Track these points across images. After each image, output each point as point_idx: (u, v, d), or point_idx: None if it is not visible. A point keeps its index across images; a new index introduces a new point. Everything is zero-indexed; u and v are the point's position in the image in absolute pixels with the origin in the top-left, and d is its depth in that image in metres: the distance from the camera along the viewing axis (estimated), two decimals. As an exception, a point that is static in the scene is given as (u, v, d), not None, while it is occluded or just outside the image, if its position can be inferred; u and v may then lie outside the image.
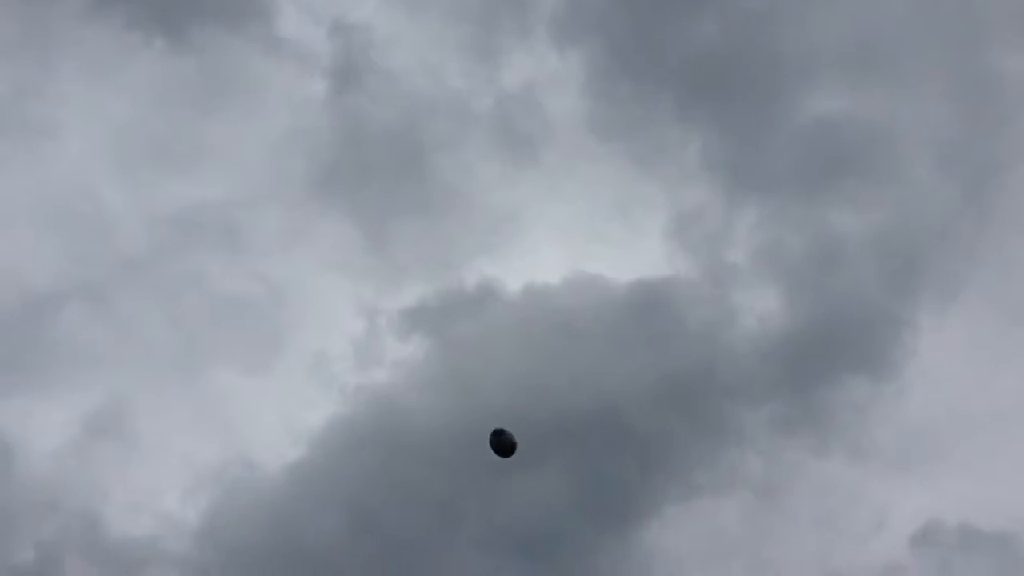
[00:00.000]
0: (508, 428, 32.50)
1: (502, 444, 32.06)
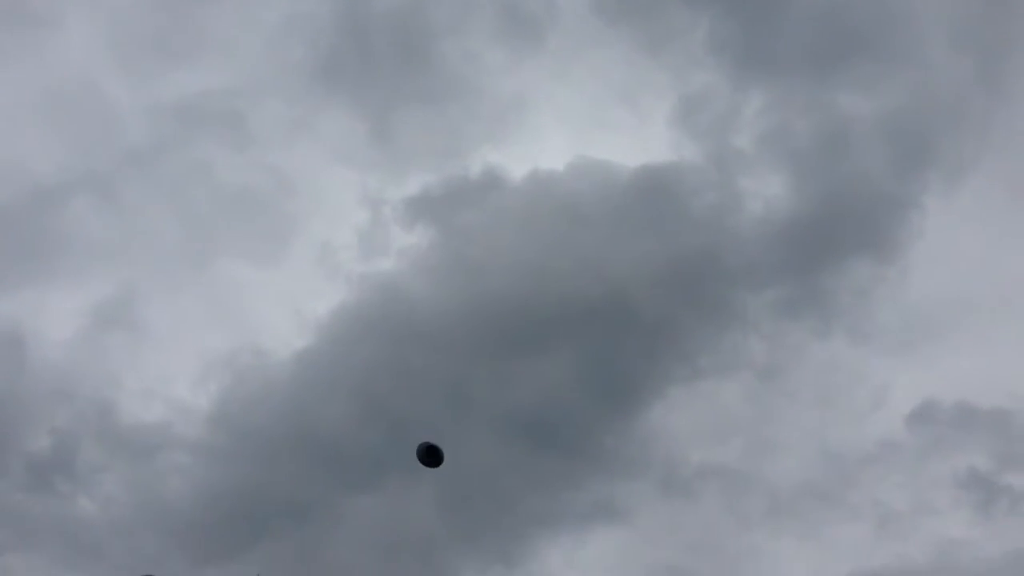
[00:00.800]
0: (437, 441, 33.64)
1: (430, 455, 33.07)
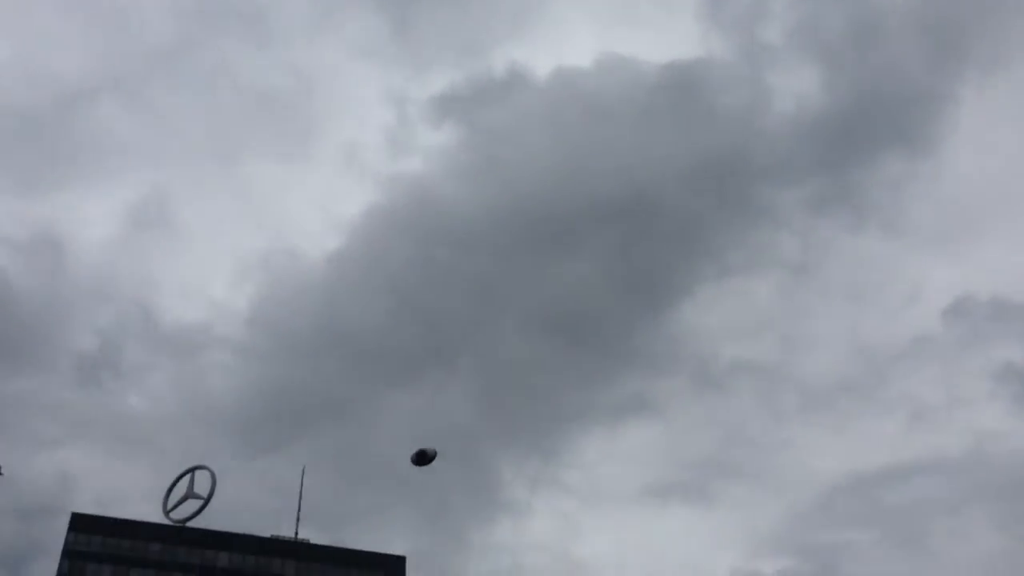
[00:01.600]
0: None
1: (423, 458, 36.24)
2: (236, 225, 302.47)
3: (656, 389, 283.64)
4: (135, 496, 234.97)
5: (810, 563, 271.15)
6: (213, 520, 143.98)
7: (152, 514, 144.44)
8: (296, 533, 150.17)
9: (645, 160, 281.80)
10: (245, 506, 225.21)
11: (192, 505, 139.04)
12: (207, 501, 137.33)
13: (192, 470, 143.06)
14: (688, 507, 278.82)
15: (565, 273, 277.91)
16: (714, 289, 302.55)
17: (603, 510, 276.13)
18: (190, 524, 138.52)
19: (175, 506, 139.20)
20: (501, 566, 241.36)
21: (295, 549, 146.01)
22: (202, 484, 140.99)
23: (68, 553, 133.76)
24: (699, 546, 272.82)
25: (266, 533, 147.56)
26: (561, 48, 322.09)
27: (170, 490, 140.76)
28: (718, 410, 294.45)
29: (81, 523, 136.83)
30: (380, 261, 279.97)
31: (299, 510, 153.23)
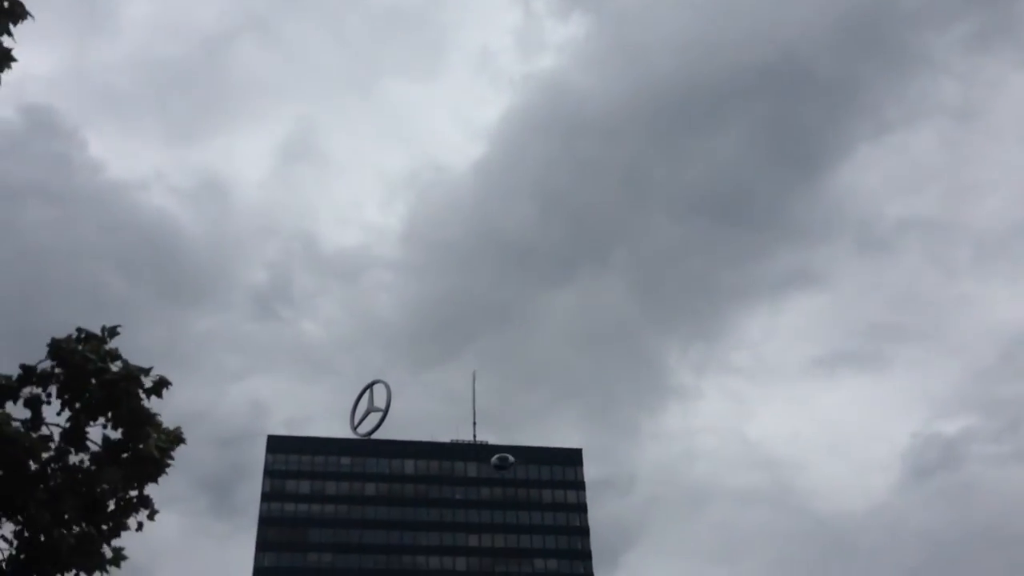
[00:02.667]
0: None
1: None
2: (381, 146, 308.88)
3: (817, 259, 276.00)
4: (321, 416, 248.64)
5: (994, 420, 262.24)
6: (396, 431, 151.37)
7: (339, 430, 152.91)
8: (474, 436, 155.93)
9: (785, 20, 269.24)
10: (423, 416, 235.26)
11: (374, 418, 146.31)
12: (385, 413, 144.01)
13: (370, 386, 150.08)
14: (861, 375, 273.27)
15: (713, 151, 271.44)
16: (872, 147, 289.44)
17: (773, 387, 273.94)
18: (375, 436, 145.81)
19: (360, 421, 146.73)
20: (674, 451, 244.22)
21: (475, 451, 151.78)
22: (380, 398, 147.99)
23: (269, 472, 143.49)
24: (875, 414, 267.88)
25: (446, 439, 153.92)
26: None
27: (355, 407, 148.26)
28: (885, 272, 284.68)
29: (277, 444, 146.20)
30: (524, 163, 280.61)
31: (474, 414, 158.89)
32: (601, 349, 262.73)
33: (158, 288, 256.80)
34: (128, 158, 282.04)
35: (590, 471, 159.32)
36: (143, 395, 11.48)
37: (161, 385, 11.63)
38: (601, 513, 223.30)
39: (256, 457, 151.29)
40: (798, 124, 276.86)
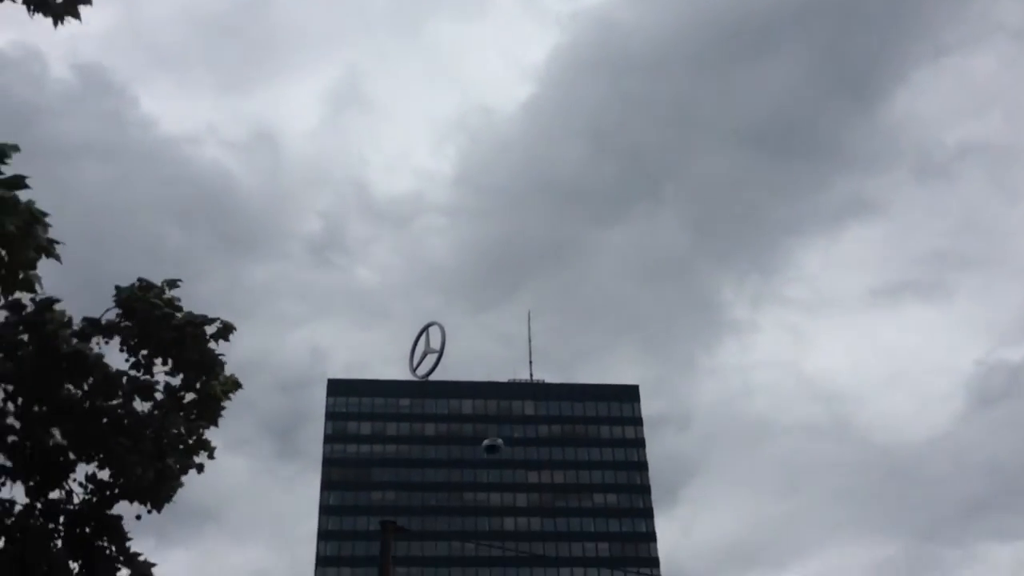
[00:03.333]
0: None
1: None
2: (429, 91, 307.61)
3: (875, 187, 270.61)
4: (378, 360, 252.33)
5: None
6: (454, 373, 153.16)
7: (396, 374, 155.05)
8: (531, 375, 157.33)
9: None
10: (479, 357, 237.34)
11: (430, 360, 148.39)
12: (441, 353, 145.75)
13: (426, 328, 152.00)
14: (922, 304, 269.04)
15: (765, 80, 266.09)
16: (930, 71, 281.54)
17: (831, 319, 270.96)
18: (433, 377, 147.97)
19: (418, 363, 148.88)
20: (733, 385, 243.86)
21: (532, 390, 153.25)
22: (436, 339, 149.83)
23: (330, 415, 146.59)
24: (938, 343, 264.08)
25: (503, 379, 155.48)
26: None
27: (412, 350, 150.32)
28: (946, 199, 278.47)
29: (337, 387, 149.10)
30: (573, 102, 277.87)
31: (530, 353, 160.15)
32: (656, 286, 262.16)
33: (215, 240, 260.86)
34: (180, 113, 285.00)
35: (648, 408, 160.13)
36: (210, 339, 11.93)
37: (227, 330, 12.07)
38: (659, 449, 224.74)
39: (317, 401, 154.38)
40: (852, 50, 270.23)
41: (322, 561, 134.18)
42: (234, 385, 12.08)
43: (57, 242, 9.40)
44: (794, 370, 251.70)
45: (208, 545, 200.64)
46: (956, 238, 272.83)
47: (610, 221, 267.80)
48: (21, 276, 9.05)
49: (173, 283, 12.16)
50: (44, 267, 9.74)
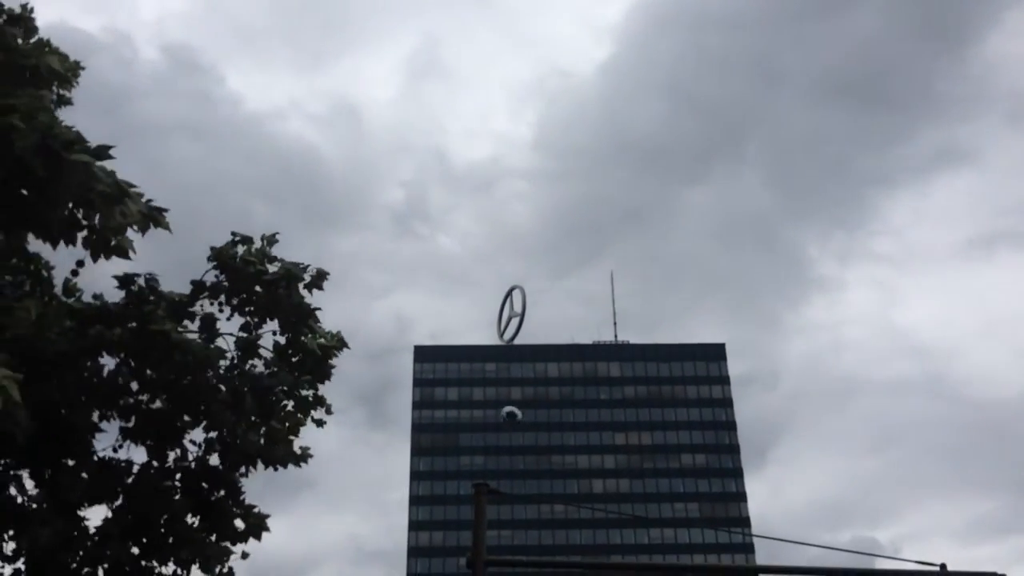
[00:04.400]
0: None
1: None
2: (506, 56, 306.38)
3: (965, 135, 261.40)
4: (462, 327, 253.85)
5: None
6: (539, 337, 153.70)
7: (482, 339, 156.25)
8: (615, 336, 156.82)
9: None
10: (563, 321, 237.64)
11: (515, 323, 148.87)
12: (522, 317, 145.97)
13: (510, 292, 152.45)
14: (1018, 254, 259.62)
15: (847, 29, 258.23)
16: (1022, 13, 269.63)
17: (923, 273, 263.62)
18: (518, 342, 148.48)
19: (505, 327, 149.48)
20: (821, 343, 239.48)
21: (618, 351, 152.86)
22: (518, 303, 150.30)
23: (418, 382, 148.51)
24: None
25: (587, 341, 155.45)
26: None
27: (500, 314, 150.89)
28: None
29: (424, 354, 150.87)
30: (651, 60, 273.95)
31: (614, 314, 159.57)
32: (740, 244, 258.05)
33: (301, 213, 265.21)
34: (264, 89, 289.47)
35: (734, 367, 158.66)
36: (304, 290, 12.15)
37: (320, 278, 12.27)
38: (747, 409, 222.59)
39: (404, 369, 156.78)
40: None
41: (414, 525, 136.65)
42: (339, 344, 12.32)
43: (164, 209, 9.67)
44: (884, 326, 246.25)
45: (305, 512, 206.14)
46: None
47: (691, 180, 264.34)
48: (113, 242, 9.32)
49: (272, 239, 12.41)
50: (149, 240, 10.02)
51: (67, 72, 11.56)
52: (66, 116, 10.35)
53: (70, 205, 9.02)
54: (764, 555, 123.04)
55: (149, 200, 9.69)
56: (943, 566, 17.47)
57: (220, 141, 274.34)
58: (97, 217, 9.18)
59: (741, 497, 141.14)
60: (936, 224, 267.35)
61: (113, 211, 9.07)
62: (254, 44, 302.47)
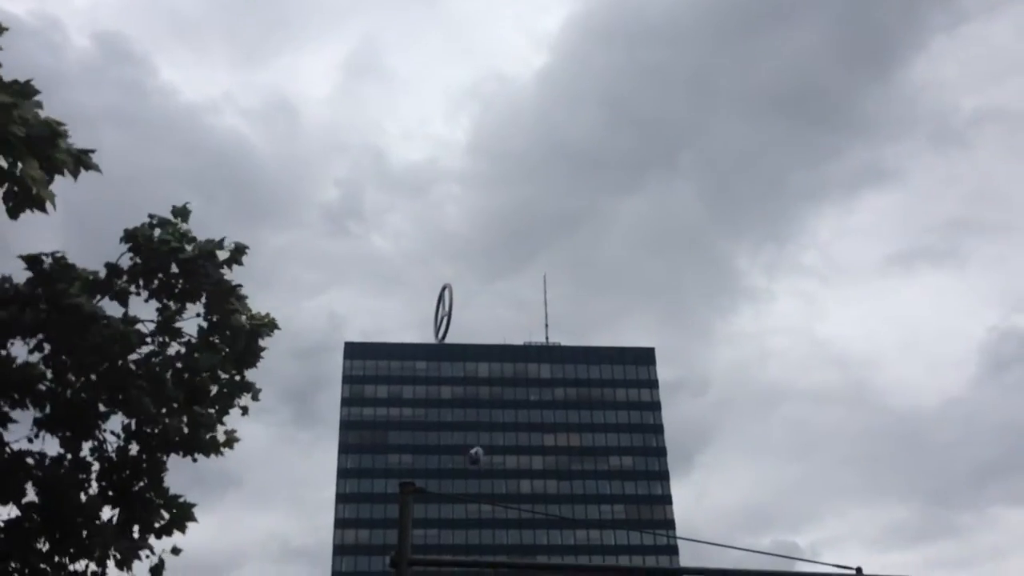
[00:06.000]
0: None
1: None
2: (443, 59, 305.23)
3: (891, 155, 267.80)
4: (394, 327, 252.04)
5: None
6: (470, 338, 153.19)
7: (413, 339, 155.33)
8: (547, 338, 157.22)
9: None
10: (495, 324, 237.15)
11: (445, 322, 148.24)
12: (449, 313, 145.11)
13: (442, 291, 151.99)
14: (936, 271, 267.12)
15: (781, 49, 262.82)
16: (948, 39, 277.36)
17: (845, 287, 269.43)
18: (449, 341, 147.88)
19: (439, 327, 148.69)
20: (747, 351, 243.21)
21: (548, 352, 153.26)
22: (447, 301, 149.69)
23: (347, 378, 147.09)
24: (952, 309, 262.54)
25: (519, 343, 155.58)
26: None
27: (436, 313, 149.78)
28: (962, 167, 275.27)
29: (354, 351, 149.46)
30: (588, 71, 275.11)
31: (546, 317, 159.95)
32: (672, 254, 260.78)
33: (233, 207, 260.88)
34: (198, 82, 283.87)
35: (664, 374, 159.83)
36: (224, 267, 11.64)
37: (239, 252, 11.77)
38: (675, 414, 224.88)
39: (335, 368, 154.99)
40: (870, 17, 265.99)
41: (340, 523, 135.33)
42: (269, 325, 11.86)
43: (90, 151, 9.12)
44: (809, 336, 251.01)
45: (230, 510, 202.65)
46: (971, 206, 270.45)
47: (625, 190, 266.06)
48: (35, 192, 8.71)
49: (184, 210, 11.88)
50: (71, 230, 9.43)
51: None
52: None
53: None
54: (688, 558, 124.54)
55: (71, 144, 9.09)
56: (859, 570, 17.63)
57: (151, 132, 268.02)
58: (19, 166, 8.52)
59: (667, 500, 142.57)
60: (860, 240, 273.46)
61: (32, 157, 8.46)
62: (190, 36, 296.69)
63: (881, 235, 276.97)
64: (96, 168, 9.07)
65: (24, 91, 8.42)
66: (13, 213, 8.84)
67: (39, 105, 8.67)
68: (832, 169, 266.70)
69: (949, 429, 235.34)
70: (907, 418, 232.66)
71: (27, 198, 8.63)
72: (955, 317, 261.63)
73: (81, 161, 8.90)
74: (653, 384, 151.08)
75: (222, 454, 11.70)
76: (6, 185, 8.61)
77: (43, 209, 8.83)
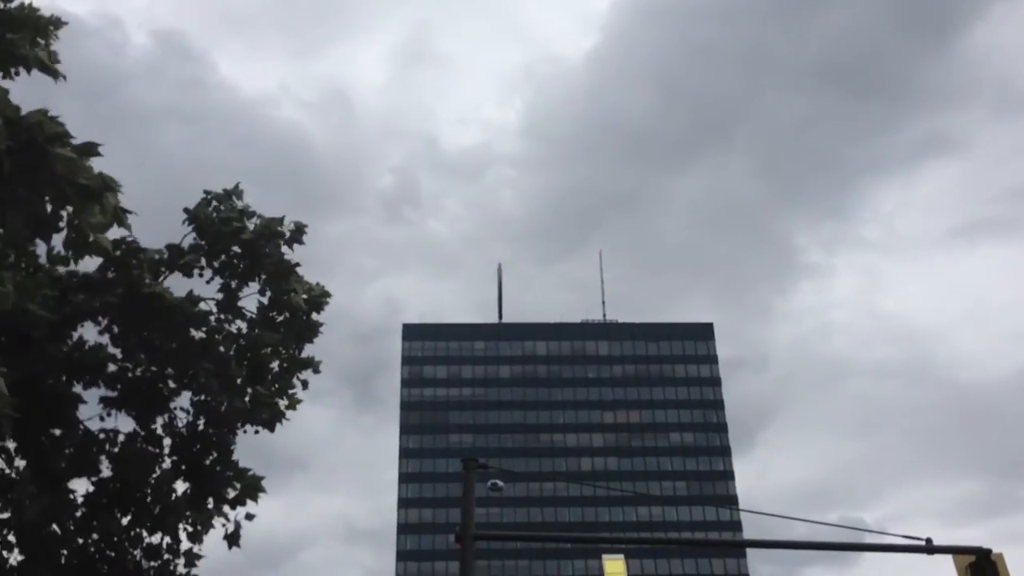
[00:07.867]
0: None
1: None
2: (494, 43, 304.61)
3: (952, 125, 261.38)
4: (451, 310, 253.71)
5: None
6: (528, 318, 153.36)
7: (471, 318, 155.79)
8: (604, 316, 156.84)
9: None
10: (553, 304, 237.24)
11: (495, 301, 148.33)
12: (500, 291, 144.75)
13: (500, 271, 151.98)
14: (1001, 243, 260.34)
15: (836, 19, 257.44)
16: (1007, 6, 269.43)
17: (908, 260, 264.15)
18: (507, 320, 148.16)
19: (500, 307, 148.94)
20: (808, 327, 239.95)
21: (606, 330, 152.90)
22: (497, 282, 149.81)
23: (406, 360, 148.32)
24: (1016, 280, 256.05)
25: (576, 320, 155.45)
26: None
27: (499, 295, 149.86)
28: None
29: (412, 332, 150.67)
30: (638, 50, 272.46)
31: (603, 295, 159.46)
32: (729, 231, 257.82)
33: (293, 198, 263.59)
34: (255, 75, 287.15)
35: (723, 352, 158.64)
36: (284, 246, 11.91)
37: (299, 232, 12.03)
38: (736, 392, 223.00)
39: (394, 352, 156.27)
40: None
41: (404, 503, 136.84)
42: (322, 295, 12.08)
43: (128, 211, 9.48)
44: (871, 311, 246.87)
45: (297, 493, 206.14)
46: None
47: (679, 168, 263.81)
48: (91, 239, 9.13)
49: (236, 190, 12.13)
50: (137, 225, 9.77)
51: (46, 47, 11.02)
52: (56, 101, 10.10)
53: (47, 200, 8.83)
54: (752, 534, 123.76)
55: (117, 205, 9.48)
56: (929, 540, 17.54)
57: (211, 126, 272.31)
58: (73, 214, 8.98)
59: (729, 476, 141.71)
60: (923, 212, 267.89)
61: (90, 207, 8.90)
62: (245, 30, 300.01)
63: (945, 206, 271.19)
64: (128, 228, 9.45)
65: (86, 149, 8.80)
66: (75, 260, 9.38)
67: (95, 157, 9.04)
68: (892, 141, 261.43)
69: (1016, 402, 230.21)
70: (973, 391, 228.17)
71: (85, 245, 9.05)
72: (1021, 288, 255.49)
73: (117, 217, 9.27)
74: (712, 359, 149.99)
75: (287, 419, 11.99)
76: (65, 232, 9.07)
77: (104, 255, 9.27)
